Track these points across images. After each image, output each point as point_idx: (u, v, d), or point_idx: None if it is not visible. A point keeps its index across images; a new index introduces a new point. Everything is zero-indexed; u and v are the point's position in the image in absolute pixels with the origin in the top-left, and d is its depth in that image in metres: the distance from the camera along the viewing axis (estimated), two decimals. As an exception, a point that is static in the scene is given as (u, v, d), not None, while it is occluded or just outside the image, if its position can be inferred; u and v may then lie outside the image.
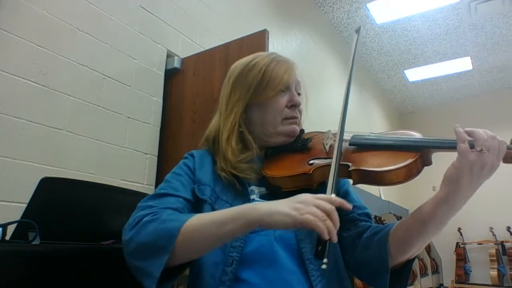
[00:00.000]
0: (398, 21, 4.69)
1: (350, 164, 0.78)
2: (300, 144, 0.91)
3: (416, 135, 0.81)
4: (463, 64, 5.72)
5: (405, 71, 5.98)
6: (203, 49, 2.34)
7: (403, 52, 5.41)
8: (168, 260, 0.68)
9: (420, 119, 7.52)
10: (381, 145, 0.80)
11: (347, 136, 0.85)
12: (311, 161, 0.85)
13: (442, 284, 6.20)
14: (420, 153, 0.75)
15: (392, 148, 0.79)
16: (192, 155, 0.94)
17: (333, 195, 0.68)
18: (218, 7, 2.73)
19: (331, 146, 0.85)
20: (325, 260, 0.61)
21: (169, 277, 0.71)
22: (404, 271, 0.80)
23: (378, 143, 0.81)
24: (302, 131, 0.96)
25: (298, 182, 0.83)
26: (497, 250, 5.80)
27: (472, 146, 0.68)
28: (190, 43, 2.43)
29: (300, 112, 0.95)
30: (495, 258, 5.73)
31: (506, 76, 6.14)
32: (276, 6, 3.56)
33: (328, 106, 4.26)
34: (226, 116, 0.92)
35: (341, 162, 0.78)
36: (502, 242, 5.85)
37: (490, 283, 5.62)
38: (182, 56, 2.29)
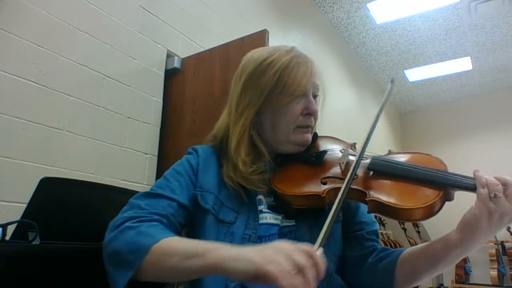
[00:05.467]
0: (398, 21, 4.68)
1: (367, 192, 0.74)
2: (314, 158, 0.85)
3: (441, 166, 0.75)
4: (463, 64, 5.71)
5: (405, 71, 5.97)
6: (203, 49, 2.33)
7: (403, 52, 5.41)
8: (135, 275, 0.64)
9: (420, 119, 7.51)
10: (403, 176, 0.74)
11: (365, 158, 0.80)
12: (325, 181, 0.79)
13: (442, 284, 6.19)
14: (444, 191, 0.70)
15: (415, 181, 0.73)
16: (196, 151, 0.87)
17: (320, 250, 0.56)
18: (218, 7, 2.73)
19: (347, 164, 0.80)
20: None
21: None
22: None
23: (400, 173, 0.75)
24: (315, 134, 0.91)
25: (309, 202, 0.78)
26: (497, 250, 5.79)
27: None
28: (190, 43, 2.43)
29: (316, 118, 0.89)
30: (495, 258, 5.72)
31: (506, 76, 6.13)
32: (276, 6, 3.56)
33: (328, 106, 4.25)
34: (235, 119, 0.85)
35: (359, 189, 0.75)
36: (502, 242, 5.83)
37: (490, 283, 5.60)
38: (182, 56, 2.28)
